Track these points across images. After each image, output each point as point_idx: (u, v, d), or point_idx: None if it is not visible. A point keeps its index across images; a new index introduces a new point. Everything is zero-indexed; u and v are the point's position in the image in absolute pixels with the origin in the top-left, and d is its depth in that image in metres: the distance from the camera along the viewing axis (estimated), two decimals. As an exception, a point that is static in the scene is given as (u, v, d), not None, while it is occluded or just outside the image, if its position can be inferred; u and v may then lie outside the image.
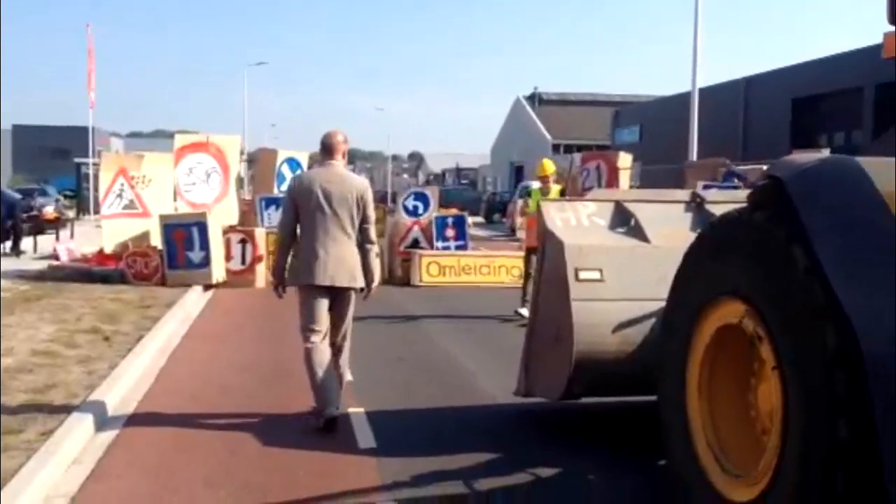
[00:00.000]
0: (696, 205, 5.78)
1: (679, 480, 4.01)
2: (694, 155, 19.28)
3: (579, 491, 4.76)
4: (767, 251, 3.36)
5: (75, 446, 5.17)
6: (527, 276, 10.39)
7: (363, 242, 5.90)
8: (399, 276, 14.77)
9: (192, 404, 6.48)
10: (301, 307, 5.88)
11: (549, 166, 11.40)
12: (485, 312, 11.11)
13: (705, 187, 11.20)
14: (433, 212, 15.51)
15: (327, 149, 5.97)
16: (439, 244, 15.21)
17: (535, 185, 12.17)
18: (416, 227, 15.33)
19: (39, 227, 18.93)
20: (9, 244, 17.69)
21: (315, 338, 5.79)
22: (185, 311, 10.77)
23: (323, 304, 5.82)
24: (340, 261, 5.75)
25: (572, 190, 14.47)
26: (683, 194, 6.06)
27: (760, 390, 3.59)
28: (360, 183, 5.97)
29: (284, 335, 8.20)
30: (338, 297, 5.87)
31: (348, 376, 6.25)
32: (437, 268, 14.37)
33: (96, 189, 17.62)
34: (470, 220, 16.66)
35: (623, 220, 5.72)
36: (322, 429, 5.69)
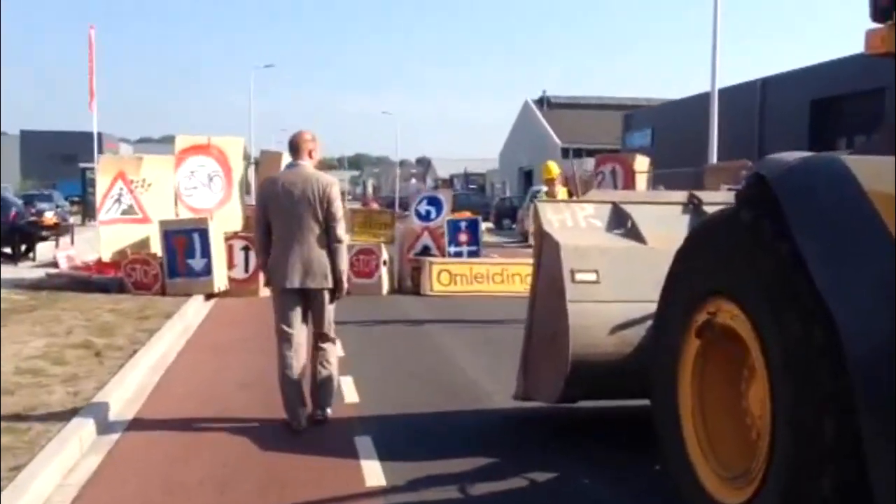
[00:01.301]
0: (694, 206, 5.76)
1: (673, 484, 3.99)
2: (714, 157, 18.67)
3: (575, 495, 4.73)
4: (754, 249, 3.37)
5: (48, 481, 4.62)
6: None
7: (330, 241, 5.80)
8: (409, 285, 14.20)
9: (184, 429, 5.94)
10: (274, 310, 5.93)
11: (554, 168, 11.14)
12: (498, 321, 10.54)
13: (729, 190, 10.63)
14: (446, 216, 14.95)
15: (293, 148, 5.95)
16: (451, 249, 14.66)
17: (545, 189, 11.76)
18: (426, 234, 14.77)
19: (38, 233, 18.43)
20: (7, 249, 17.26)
21: (287, 345, 5.82)
22: (184, 323, 10.23)
23: (294, 307, 5.82)
24: (308, 262, 5.72)
25: (583, 193, 13.97)
26: (681, 196, 5.97)
27: (752, 392, 3.60)
28: (324, 180, 5.85)
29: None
30: (311, 298, 5.85)
31: (355, 397, 5.95)
32: (447, 276, 13.76)
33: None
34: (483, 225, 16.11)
35: (620, 221, 5.69)
36: (290, 425, 5.78)
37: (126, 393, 6.65)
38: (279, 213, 5.80)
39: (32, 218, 18.47)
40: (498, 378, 7.12)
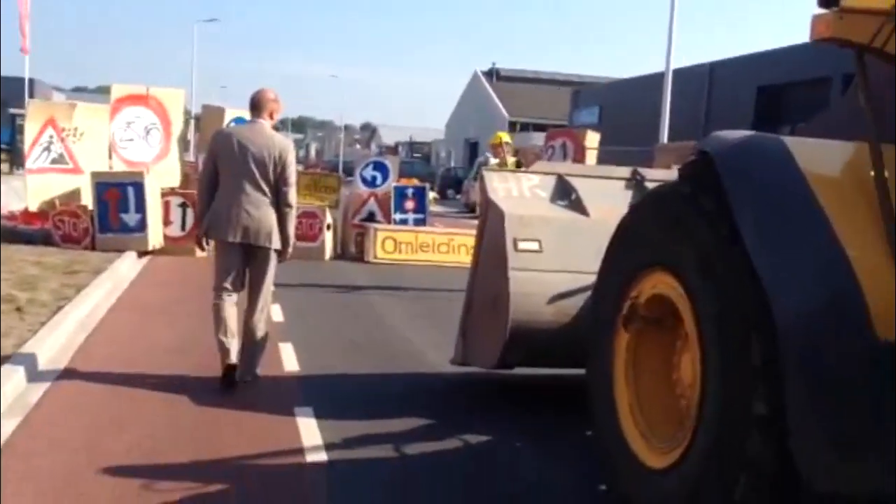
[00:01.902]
0: (637, 182, 5.85)
1: (603, 448, 4.09)
2: (665, 137, 18.63)
3: (506, 457, 4.84)
4: (693, 223, 3.47)
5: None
6: None
7: (281, 205, 5.76)
8: (352, 251, 13.85)
9: (110, 394, 5.56)
10: (215, 261, 5.90)
11: (504, 135, 11.12)
12: (442, 290, 10.30)
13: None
14: (392, 183, 14.60)
15: (255, 105, 5.86)
16: (397, 216, 14.32)
17: (493, 161, 11.66)
18: (372, 200, 14.41)
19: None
20: None
21: (223, 294, 5.78)
22: (114, 280, 9.72)
23: (234, 261, 5.80)
24: (253, 219, 5.68)
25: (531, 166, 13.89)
26: (625, 171, 6.06)
27: (683, 362, 3.70)
28: (283, 143, 5.82)
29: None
30: (252, 255, 5.81)
31: (294, 363, 5.98)
32: (392, 244, 13.44)
33: (25, 142, 16.10)
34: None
35: (564, 193, 5.76)
36: (222, 379, 5.73)
37: (48, 352, 6.21)
38: (230, 167, 5.72)
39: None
40: (438, 344, 7.02)
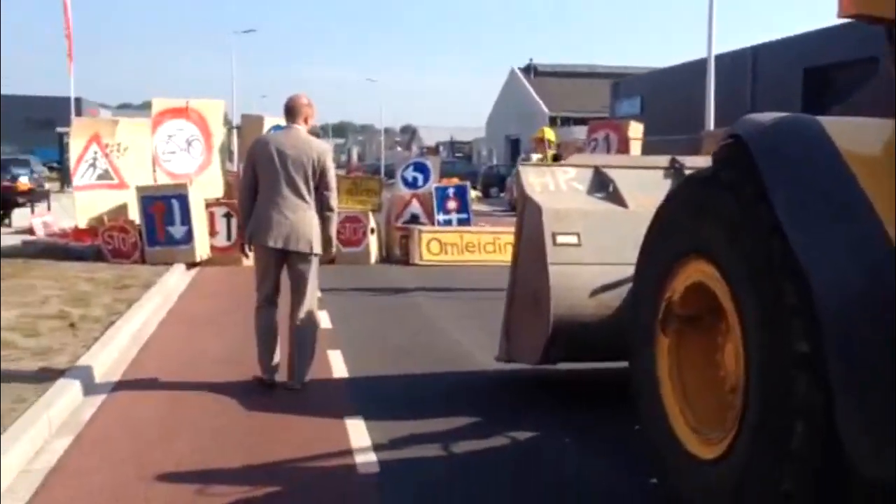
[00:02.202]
0: (676, 170, 5.76)
1: (651, 443, 4.02)
2: (711, 124, 18.23)
3: (553, 453, 4.82)
4: (732, 210, 3.39)
5: (11, 468, 4.22)
6: None
7: (322, 209, 5.82)
8: (397, 254, 13.79)
9: (162, 406, 5.57)
10: (255, 267, 5.98)
11: (548, 131, 10.96)
12: (490, 290, 10.18)
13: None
14: (433, 183, 14.51)
15: (290, 111, 5.92)
16: (440, 217, 14.20)
17: (535, 156, 11.48)
18: (414, 201, 14.33)
19: (14, 199, 17.83)
20: None
21: (263, 300, 5.87)
22: (164, 293, 9.81)
23: (275, 267, 5.84)
24: (293, 225, 5.71)
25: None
26: (663, 160, 5.98)
27: (727, 349, 3.61)
28: (320, 147, 5.87)
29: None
30: (292, 261, 5.81)
31: (343, 370, 6.00)
32: (438, 245, 13.33)
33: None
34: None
35: (602, 185, 5.73)
36: (262, 386, 5.86)
37: (101, 367, 6.26)
38: (269, 174, 5.75)
39: (7, 183, 17.84)
40: (484, 345, 6.97)
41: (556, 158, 10.77)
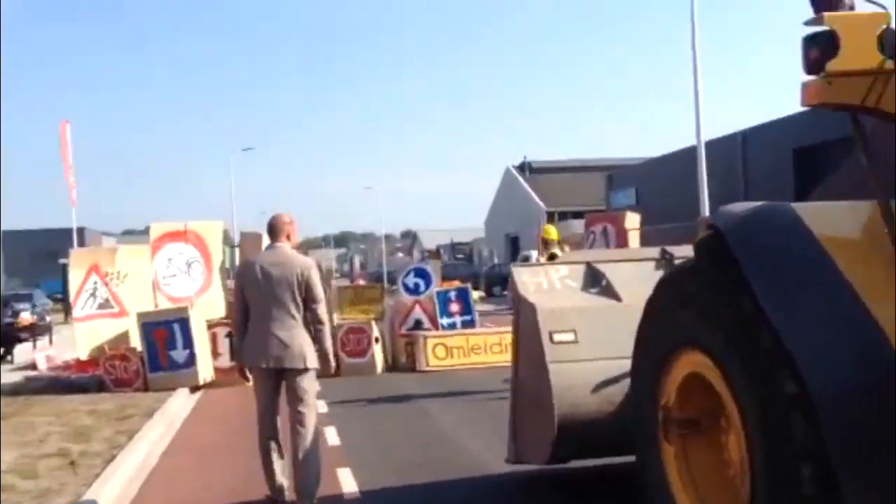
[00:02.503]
0: (667, 261, 5.84)
1: None
2: (706, 209, 18.34)
3: None
4: (717, 301, 3.46)
5: None
6: None
7: (312, 323, 5.82)
8: (403, 361, 13.61)
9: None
10: (254, 390, 5.96)
11: (549, 229, 10.93)
12: (498, 391, 9.96)
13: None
14: (435, 287, 14.46)
15: (272, 230, 6.05)
16: (444, 321, 14.13)
17: (534, 254, 11.49)
18: (417, 307, 14.25)
19: (15, 335, 17.73)
20: None
21: (264, 427, 5.84)
22: (167, 421, 9.57)
23: (272, 389, 5.82)
24: (283, 343, 5.70)
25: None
26: (653, 252, 6.09)
27: (731, 439, 3.61)
28: (303, 262, 5.92)
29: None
30: (289, 379, 5.79)
31: (353, 487, 5.92)
32: (443, 350, 13.17)
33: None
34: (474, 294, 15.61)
35: (594, 280, 5.80)
36: None
37: (101, 508, 6.01)
38: (256, 295, 5.81)
39: (8, 320, 17.76)
40: (493, 447, 6.92)
41: (553, 257, 10.73)
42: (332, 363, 6.04)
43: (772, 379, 3.10)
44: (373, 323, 13.56)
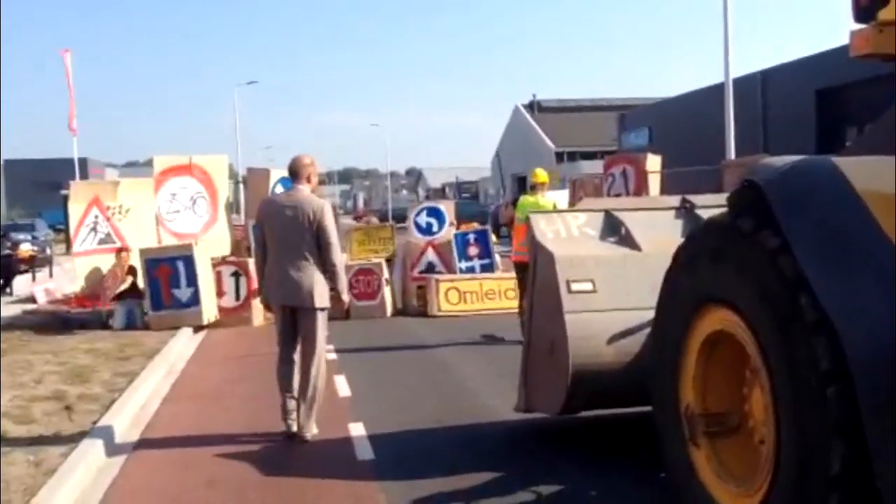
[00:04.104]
0: (687, 210, 5.72)
1: (678, 492, 3.98)
2: (732, 152, 17.60)
3: None
4: (754, 260, 3.34)
5: None
6: (522, 292, 9.50)
7: (324, 264, 5.98)
8: (415, 305, 13.15)
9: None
10: (275, 323, 6.37)
11: (542, 175, 10.23)
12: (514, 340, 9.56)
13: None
14: (448, 229, 13.92)
15: (292, 173, 6.19)
16: (462, 264, 13.60)
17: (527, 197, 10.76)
18: (430, 250, 13.73)
19: (15, 266, 17.28)
20: None
21: (282, 355, 6.13)
22: (169, 363, 9.18)
23: (286, 322, 6.09)
24: (296, 282, 5.93)
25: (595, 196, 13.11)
26: (673, 200, 5.93)
27: (754, 397, 3.55)
28: (315, 203, 6.00)
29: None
30: (299, 316, 6.03)
31: (368, 453, 5.77)
32: (456, 294, 12.65)
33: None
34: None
35: (613, 229, 5.66)
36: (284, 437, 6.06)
37: (97, 460, 5.61)
38: (273, 234, 6.07)
39: (7, 251, 17.27)
40: (503, 391, 6.81)
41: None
42: (346, 301, 6.28)
43: (809, 347, 2.98)
44: (383, 264, 13.08)
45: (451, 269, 13.47)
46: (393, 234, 14.40)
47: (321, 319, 6.04)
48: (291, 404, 6.05)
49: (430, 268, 13.52)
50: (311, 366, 6.01)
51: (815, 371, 2.97)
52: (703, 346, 3.85)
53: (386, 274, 13.01)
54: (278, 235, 6.01)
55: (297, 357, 6.08)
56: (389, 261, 13.58)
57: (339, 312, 6.22)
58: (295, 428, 6.03)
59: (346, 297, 6.25)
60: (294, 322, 6.05)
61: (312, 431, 6.05)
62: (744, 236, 3.40)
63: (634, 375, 4.75)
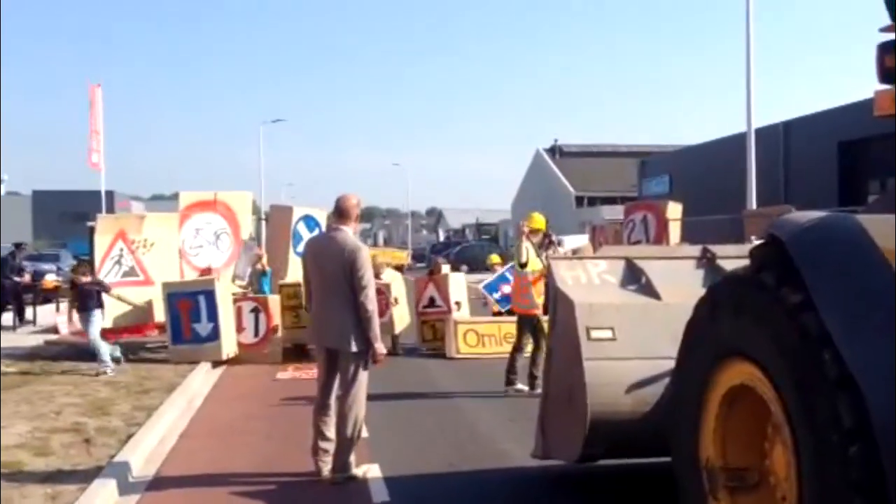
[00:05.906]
0: (708, 260, 5.72)
1: None
2: (753, 202, 17.59)
3: None
4: (775, 315, 3.30)
5: None
6: (516, 346, 9.60)
7: (358, 309, 5.88)
8: (427, 341, 13.33)
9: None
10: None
11: (540, 220, 9.80)
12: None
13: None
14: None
15: (339, 212, 6.16)
16: (495, 296, 13.89)
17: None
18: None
19: (38, 296, 17.46)
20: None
21: (319, 394, 6.10)
22: (187, 398, 9.23)
23: (324, 364, 6.10)
24: (331, 323, 5.95)
25: (613, 244, 13.16)
26: (694, 250, 5.94)
27: (776, 452, 3.53)
28: (351, 244, 5.97)
29: (305, 428, 6.44)
30: (339, 359, 6.01)
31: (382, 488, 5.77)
32: (475, 337, 12.63)
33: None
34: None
35: (634, 277, 5.63)
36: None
37: (111, 498, 5.63)
38: (313, 275, 6.17)
39: (17, 279, 17.21)
40: (523, 438, 6.70)
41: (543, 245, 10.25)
42: (379, 352, 6.00)
43: (831, 404, 2.94)
44: (391, 286, 13.35)
45: (449, 305, 13.39)
46: (407, 257, 14.55)
47: (358, 364, 5.96)
48: (325, 445, 6.00)
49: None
50: (346, 408, 5.93)
51: (838, 429, 2.93)
52: (723, 399, 3.81)
53: (394, 293, 13.26)
54: (320, 277, 6.02)
55: (332, 400, 6.05)
56: (400, 269, 13.78)
57: (373, 358, 5.97)
58: (326, 471, 5.97)
59: (377, 345, 5.95)
60: (334, 364, 6.01)
61: (351, 472, 5.96)
62: (766, 291, 3.38)
63: (653, 425, 4.71)
